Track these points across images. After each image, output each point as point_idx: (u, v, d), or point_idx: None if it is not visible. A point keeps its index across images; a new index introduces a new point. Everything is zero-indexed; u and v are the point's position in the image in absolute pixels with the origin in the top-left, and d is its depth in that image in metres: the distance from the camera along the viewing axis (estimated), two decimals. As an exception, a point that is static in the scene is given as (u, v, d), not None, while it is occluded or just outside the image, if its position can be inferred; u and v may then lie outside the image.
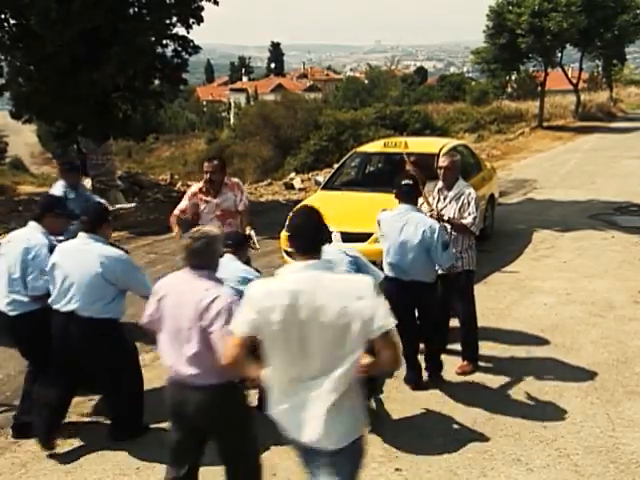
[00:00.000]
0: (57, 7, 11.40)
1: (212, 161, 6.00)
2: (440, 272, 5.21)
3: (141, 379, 4.73)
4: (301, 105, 28.74)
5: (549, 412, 4.85)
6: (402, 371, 5.26)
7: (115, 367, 4.50)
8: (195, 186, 6.17)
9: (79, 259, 4.33)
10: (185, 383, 3.36)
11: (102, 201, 5.48)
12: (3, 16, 12.61)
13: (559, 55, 28.51)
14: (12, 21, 12.78)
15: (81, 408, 5.11)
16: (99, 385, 4.73)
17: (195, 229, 3.57)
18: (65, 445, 4.61)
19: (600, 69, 39.32)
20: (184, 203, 6.02)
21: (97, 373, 4.58)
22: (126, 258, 4.46)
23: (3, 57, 13.98)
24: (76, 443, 4.63)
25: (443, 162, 5.57)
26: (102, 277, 4.29)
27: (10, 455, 4.51)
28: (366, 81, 53.88)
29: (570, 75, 31.78)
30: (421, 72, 68.98)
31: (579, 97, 30.75)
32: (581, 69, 32.14)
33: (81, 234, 4.46)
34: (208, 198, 5.95)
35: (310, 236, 2.90)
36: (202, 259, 3.42)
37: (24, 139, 50.84)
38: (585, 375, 5.42)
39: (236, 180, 6.28)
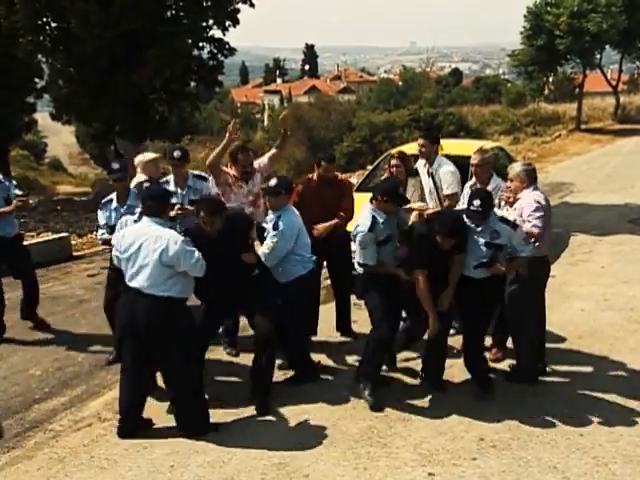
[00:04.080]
0: (97, 10, 11.63)
1: (247, 153, 6.02)
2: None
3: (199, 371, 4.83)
4: (335, 107, 28.84)
5: (586, 420, 4.76)
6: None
7: (176, 351, 4.55)
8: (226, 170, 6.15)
9: (142, 241, 4.55)
10: None
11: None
12: (44, 20, 12.90)
13: (598, 56, 28.02)
14: (53, 24, 13.08)
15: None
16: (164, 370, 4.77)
17: None
18: (101, 441, 4.68)
19: (640, 70, 38.55)
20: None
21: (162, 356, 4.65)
22: (180, 240, 4.51)
23: (44, 60, 14.33)
24: (112, 440, 4.70)
25: (474, 160, 5.67)
26: (159, 260, 4.48)
27: (48, 450, 4.59)
28: (400, 83, 53.62)
29: (609, 77, 31.20)
30: (456, 74, 68.31)
31: (618, 99, 30.19)
32: (621, 70, 31.54)
33: (145, 218, 4.66)
34: (242, 184, 5.98)
35: None
36: None
37: (63, 140, 51.88)
38: (624, 383, 5.31)
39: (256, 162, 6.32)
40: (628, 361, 5.67)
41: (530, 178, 5.24)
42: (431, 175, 6.20)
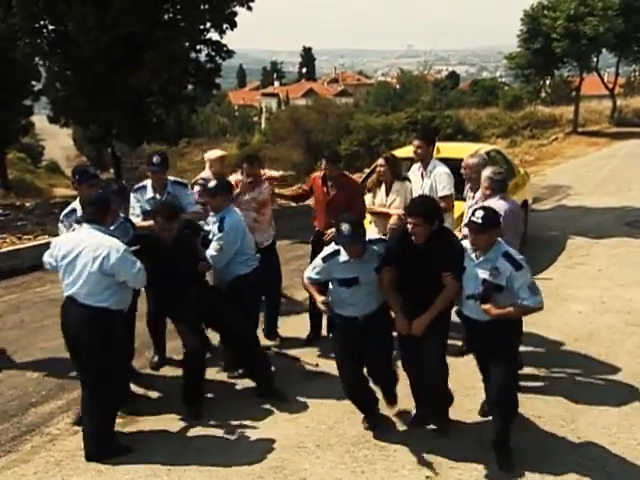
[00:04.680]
0: (94, 13, 11.61)
1: (253, 164, 6.12)
2: None
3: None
4: (332, 110, 28.78)
5: (583, 422, 4.77)
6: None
7: (104, 363, 4.42)
8: (232, 177, 6.22)
9: (81, 249, 4.42)
10: None
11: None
12: (42, 22, 12.89)
13: (595, 60, 28.07)
14: (50, 27, 13.06)
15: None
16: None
17: None
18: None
19: (637, 74, 38.62)
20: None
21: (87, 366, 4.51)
22: (122, 249, 4.41)
23: (41, 62, 14.31)
24: (109, 443, 4.68)
25: (463, 163, 5.73)
26: (99, 268, 4.35)
27: (45, 454, 4.59)
28: (397, 86, 53.61)
29: (606, 80, 31.25)
30: (453, 77, 68.36)
31: (615, 102, 30.23)
32: (617, 74, 31.60)
33: (85, 225, 4.54)
34: (247, 192, 6.07)
35: None
36: None
37: (60, 143, 51.82)
38: (620, 386, 5.32)
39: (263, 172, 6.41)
40: (625, 364, 5.67)
41: (496, 187, 5.18)
42: (427, 177, 6.18)
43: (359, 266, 4.49)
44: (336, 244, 4.56)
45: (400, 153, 7.22)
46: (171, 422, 4.92)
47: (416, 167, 6.36)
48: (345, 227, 4.36)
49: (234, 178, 6.19)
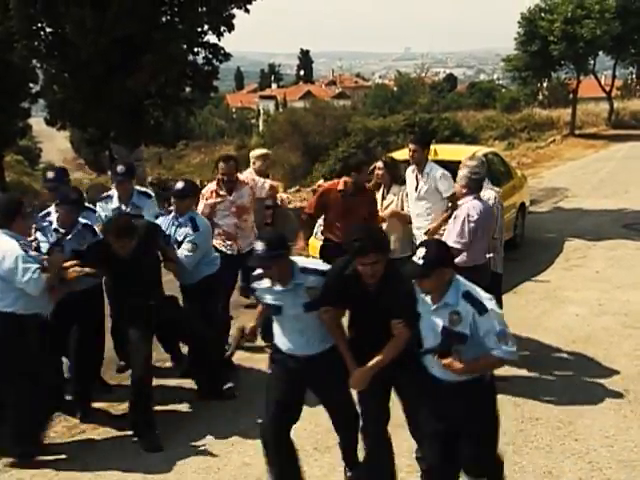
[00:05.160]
0: (92, 16, 11.62)
1: (228, 162, 5.91)
2: None
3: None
4: (330, 112, 28.86)
5: (581, 425, 4.77)
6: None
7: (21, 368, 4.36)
8: (207, 188, 6.06)
9: None
10: None
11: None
12: (39, 25, 12.89)
13: (592, 62, 28.14)
14: (48, 29, 13.06)
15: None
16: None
17: None
18: (95, 448, 4.67)
19: (634, 76, 38.71)
20: (202, 207, 5.87)
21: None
22: (17, 255, 4.23)
23: (39, 65, 14.31)
24: (106, 446, 4.68)
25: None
26: None
27: (41, 457, 4.57)
28: (395, 88, 53.75)
29: (603, 82, 31.31)
30: (451, 79, 68.53)
31: (612, 105, 30.30)
32: (614, 76, 31.66)
33: None
34: (223, 195, 5.89)
35: None
36: None
37: (57, 145, 51.80)
38: (618, 388, 5.32)
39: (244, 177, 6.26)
40: (622, 366, 5.68)
41: (473, 186, 5.11)
42: (423, 179, 6.15)
43: (283, 295, 3.70)
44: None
45: (398, 155, 7.24)
46: (169, 425, 4.91)
47: (410, 169, 6.32)
48: (259, 245, 3.57)
49: (210, 188, 5.99)
